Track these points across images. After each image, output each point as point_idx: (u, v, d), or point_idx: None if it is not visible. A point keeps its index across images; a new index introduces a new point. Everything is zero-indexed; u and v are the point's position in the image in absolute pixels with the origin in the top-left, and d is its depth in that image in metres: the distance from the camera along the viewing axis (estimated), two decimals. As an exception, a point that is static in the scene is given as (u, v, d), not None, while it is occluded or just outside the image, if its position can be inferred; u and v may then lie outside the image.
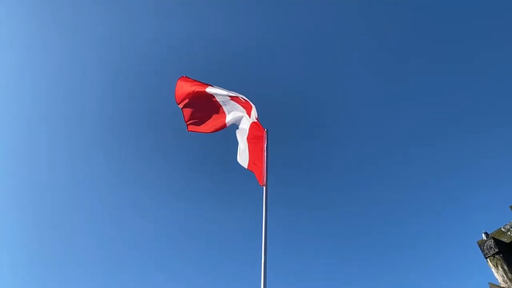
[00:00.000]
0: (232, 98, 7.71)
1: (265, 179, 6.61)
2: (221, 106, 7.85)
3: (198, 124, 7.93)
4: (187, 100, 7.90)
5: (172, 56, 24.83)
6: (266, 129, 7.20)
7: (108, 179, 26.29)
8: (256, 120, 7.27)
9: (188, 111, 7.94)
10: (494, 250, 5.37)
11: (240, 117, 7.64)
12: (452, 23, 22.19)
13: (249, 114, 7.49)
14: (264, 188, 6.48)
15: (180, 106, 7.93)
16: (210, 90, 7.85)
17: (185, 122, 7.93)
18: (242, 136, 7.40)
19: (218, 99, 7.86)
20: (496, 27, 21.01)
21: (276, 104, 23.53)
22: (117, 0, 23.79)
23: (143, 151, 26.41)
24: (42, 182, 26.22)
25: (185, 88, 7.89)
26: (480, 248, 5.55)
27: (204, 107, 7.89)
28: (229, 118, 7.82)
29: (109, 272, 23.40)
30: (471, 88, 22.30)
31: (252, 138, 7.19)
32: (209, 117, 7.92)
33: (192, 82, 7.88)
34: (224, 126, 7.87)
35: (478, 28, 21.81)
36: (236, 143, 7.56)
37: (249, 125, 7.27)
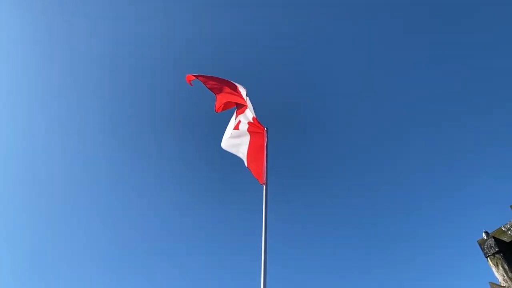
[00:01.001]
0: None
1: (265, 177, 6.59)
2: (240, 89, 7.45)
3: (219, 91, 7.34)
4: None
5: (173, 55, 24.80)
6: (266, 128, 7.16)
7: (111, 178, 26.30)
8: (252, 120, 7.19)
9: (207, 81, 7.50)
10: (494, 249, 5.35)
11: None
12: (447, 20, 22.14)
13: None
14: (264, 186, 6.45)
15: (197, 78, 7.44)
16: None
17: (206, 87, 7.36)
18: (242, 128, 7.20)
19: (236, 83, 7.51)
20: (492, 27, 20.97)
21: (275, 103, 23.50)
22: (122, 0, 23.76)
23: (145, 150, 26.40)
24: (43, 183, 26.26)
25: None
26: (481, 247, 5.53)
27: (223, 81, 7.49)
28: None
29: (112, 269, 23.42)
30: (472, 82, 22.24)
31: (253, 135, 7.13)
32: (229, 91, 7.40)
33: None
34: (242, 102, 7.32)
35: (471, 26, 21.78)
36: None
37: (247, 122, 7.19)
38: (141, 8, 23.79)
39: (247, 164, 7.04)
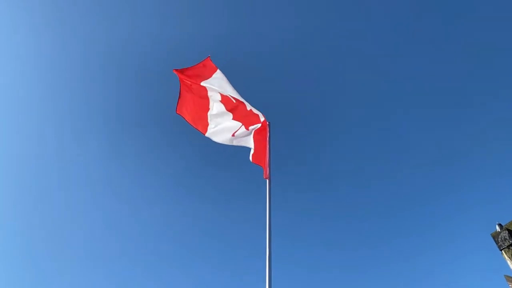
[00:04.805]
0: (223, 98, 7.29)
1: (268, 172, 6.42)
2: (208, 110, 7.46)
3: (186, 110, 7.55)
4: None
5: (174, 54, 24.56)
6: (269, 122, 7.02)
7: (115, 175, 25.89)
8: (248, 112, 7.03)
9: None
10: (509, 241, 5.19)
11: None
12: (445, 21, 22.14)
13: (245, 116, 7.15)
14: (268, 181, 6.29)
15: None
16: (205, 83, 7.42)
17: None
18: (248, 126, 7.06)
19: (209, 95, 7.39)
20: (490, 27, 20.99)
21: (277, 98, 23.27)
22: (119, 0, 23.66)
23: (149, 148, 26.02)
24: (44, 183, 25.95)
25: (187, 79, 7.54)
26: (494, 240, 5.35)
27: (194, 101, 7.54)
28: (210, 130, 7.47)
29: (117, 268, 23.02)
30: (476, 75, 22.09)
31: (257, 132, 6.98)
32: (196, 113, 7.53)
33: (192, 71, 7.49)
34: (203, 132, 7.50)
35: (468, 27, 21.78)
36: None
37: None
38: (138, 6, 23.65)
39: (253, 159, 6.88)
